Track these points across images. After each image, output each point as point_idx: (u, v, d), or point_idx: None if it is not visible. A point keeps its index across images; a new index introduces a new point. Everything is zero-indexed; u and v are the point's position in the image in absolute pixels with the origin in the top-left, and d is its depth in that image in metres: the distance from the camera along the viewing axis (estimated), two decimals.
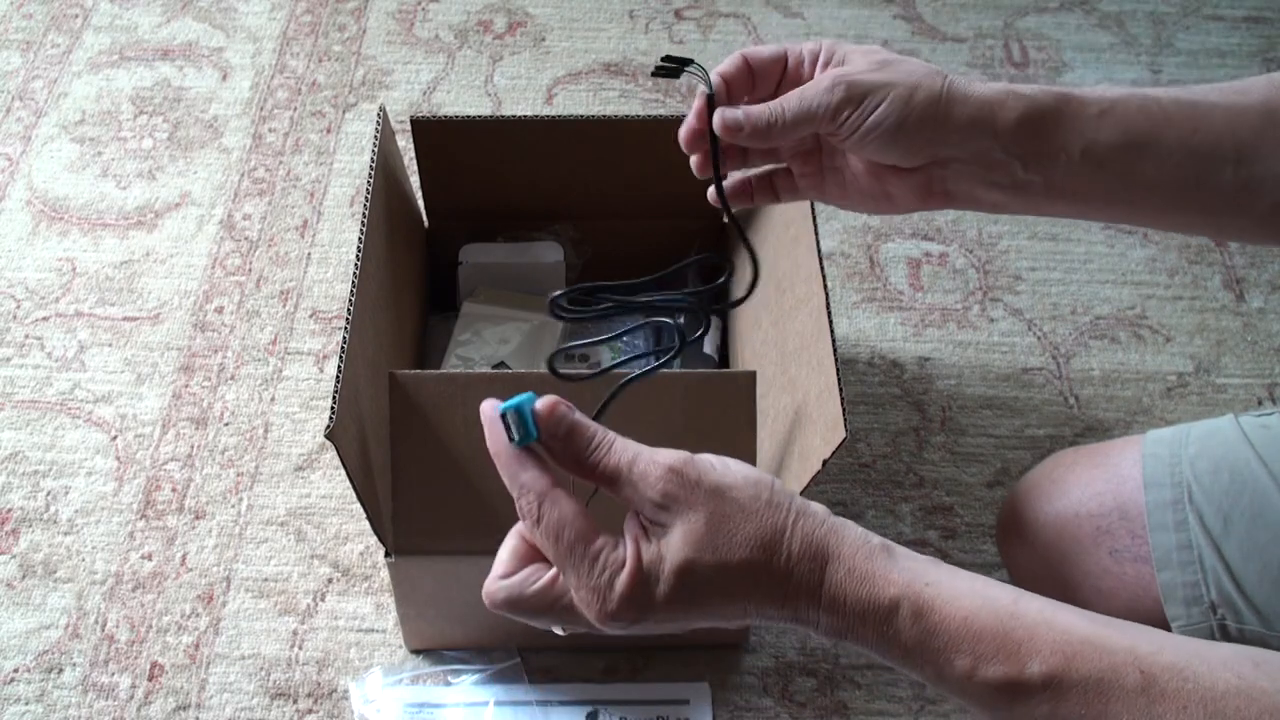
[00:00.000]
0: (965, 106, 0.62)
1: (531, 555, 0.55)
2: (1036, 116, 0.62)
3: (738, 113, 0.63)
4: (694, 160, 0.68)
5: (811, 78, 0.65)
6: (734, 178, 0.70)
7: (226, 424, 1.10)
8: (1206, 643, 0.49)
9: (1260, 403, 1.14)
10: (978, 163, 0.63)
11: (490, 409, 0.54)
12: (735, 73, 0.65)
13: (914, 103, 0.61)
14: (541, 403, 0.54)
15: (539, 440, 0.53)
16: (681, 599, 0.52)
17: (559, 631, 0.56)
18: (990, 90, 0.62)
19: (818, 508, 0.53)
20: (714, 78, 0.64)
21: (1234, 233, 0.68)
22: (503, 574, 0.55)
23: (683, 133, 0.66)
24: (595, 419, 0.55)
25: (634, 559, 0.51)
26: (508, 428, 0.54)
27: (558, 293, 0.59)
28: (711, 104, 0.64)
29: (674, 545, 0.51)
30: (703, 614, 0.52)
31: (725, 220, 1.11)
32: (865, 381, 1.15)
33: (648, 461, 0.52)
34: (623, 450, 0.53)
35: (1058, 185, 0.63)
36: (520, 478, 0.53)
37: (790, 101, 0.63)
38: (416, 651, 0.96)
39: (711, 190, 0.68)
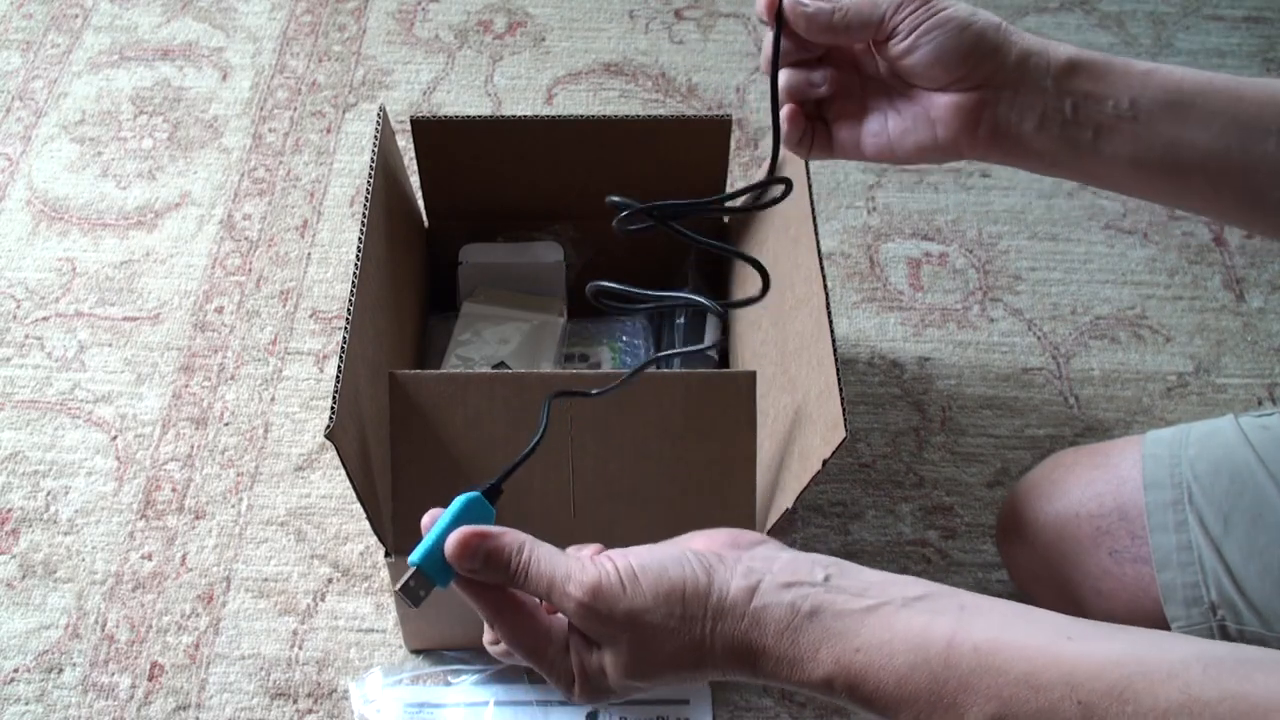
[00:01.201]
0: (1020, 38, 0.63)
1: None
2: (1086, 60, 0.63)
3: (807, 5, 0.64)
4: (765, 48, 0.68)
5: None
6: (787, 109, 0.69)
7: (226, 424, 1.11)
8: (1161, 646, 0.48)
9: (1260, 403, 1.14)
10: (1030, 90, 0.63)
11: (426, 524, 0.57)
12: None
13: (975, 17, 0.63)
14: (450, 541, 0.55)
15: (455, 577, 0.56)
16: (633, 693, 0.55)
17: None
18: (1040, 39, 0.64)
19: (736, 592, 0.53)
20: None
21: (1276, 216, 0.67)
22: (488, 642, 0.60)
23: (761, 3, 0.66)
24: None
25: (580, 671, 0.55)
26: (410, 591, 0.56)
27: (596, 283, 0.62)
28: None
29: (609, 666, 0.54)
30: (655, 688, 0.56)
31: (725, 221, 1.11)
32: (865, 381, 1.15)
33: (560, 593, 0.54)
34: (538, 578, 0.54)
35: (1106, 139, 0.63)
36: (473, 603, 0.57)
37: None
38: (416, 651, 0.96)
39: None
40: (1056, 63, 0.63)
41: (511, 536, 0.55)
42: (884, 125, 0.67)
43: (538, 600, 0.56)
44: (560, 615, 0.56)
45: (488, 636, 0.60)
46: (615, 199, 0.62)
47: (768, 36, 0.66)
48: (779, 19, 0.64)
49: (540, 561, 0.54)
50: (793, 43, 0.66)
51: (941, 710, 0.49)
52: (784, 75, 0.66)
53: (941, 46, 0.62)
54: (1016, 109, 0.63)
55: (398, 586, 0.55)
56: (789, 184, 0.66)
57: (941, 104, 0.64)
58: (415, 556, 0.55)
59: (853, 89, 0.68)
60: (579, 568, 0.54)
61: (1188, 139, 0.62)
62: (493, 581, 0.56)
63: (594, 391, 0.61)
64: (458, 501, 0.56)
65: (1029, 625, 0.50)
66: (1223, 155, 0.62)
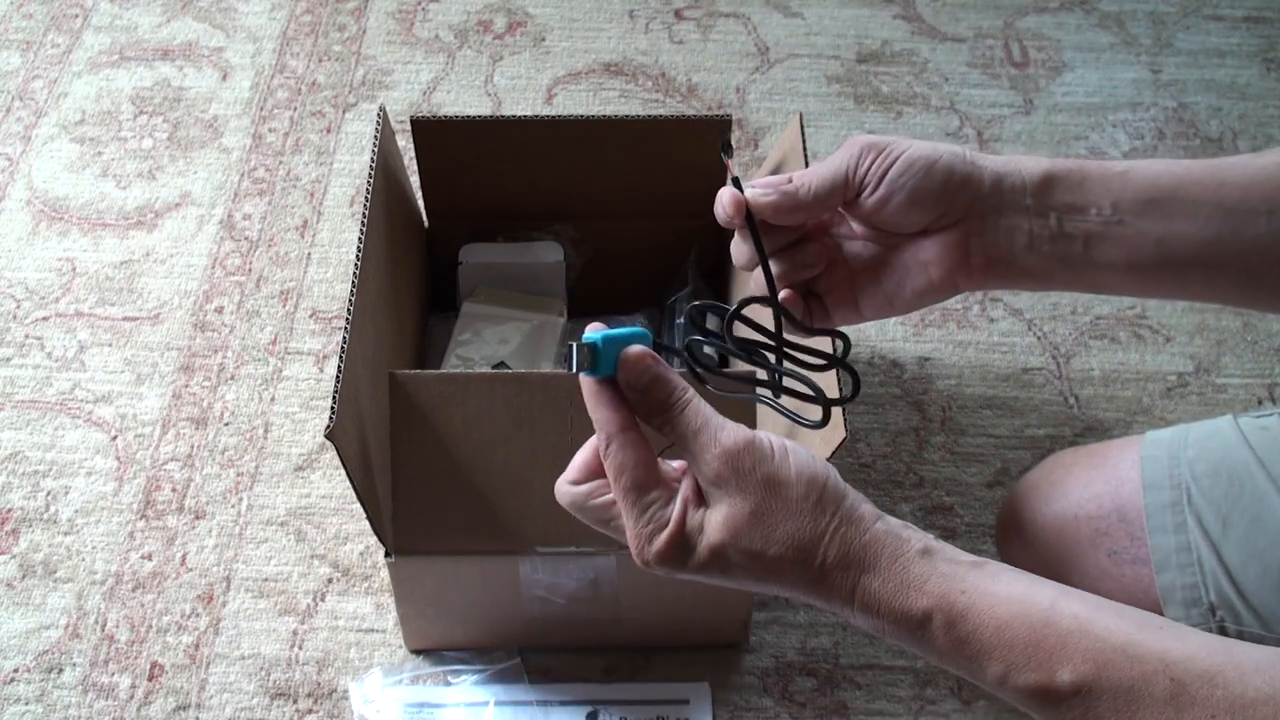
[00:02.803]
0: (989, 162, 0.62)
1: (601, 470, 0.56)
2: (1060, 172, 0.62)
3: (767, 183, 0.62)
4: (736, 249, 0.65)
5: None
6: (785, 295, 0.66)
7: (226, 424, 1.11)
8: (1244, 645, 0.50)
9: (1260, 403, 1.14)
10: (1012, 213, 0.62)
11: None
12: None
13: (938, 151, 0.61)
14: (630, 351, 0.55)
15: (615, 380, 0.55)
16: (712, 572, 0.54)
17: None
18: (1014, 154, 0.62)
19: (866, 511, 0.54)
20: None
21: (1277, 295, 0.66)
22: (573, 480, 0.57)
23: (722, 211, 0.63)
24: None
25: (677, 522, 0.54)
26: (576, 355, 0.54)
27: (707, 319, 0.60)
28: (738, 184, 0.62)
29: (715, 524, 0.53)
30: (735, 585, 0.55)
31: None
32: (865, 381, 1.15)
33: (710, 437, 0.53)
34: (692, 417, 0.54)
35: (1097, 247, 0.62)
36: (596, 414, 0.55)
37: (814, 168, 0.62)
38: (416, 651, 0.96)
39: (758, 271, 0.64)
40: (1032, 180, 0.62)
41: (678, 378, 0.55)
42: (876, 285, 0.65)
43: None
44: (674, 467, 0.56)
45: (569, 475, 0.57)
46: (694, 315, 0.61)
47: (739, 242, 0.64)
48: (749, 218, 0.62)
49: (699, 405, 0.54)
50: (769, 233, 0.64)
51: (1035, 665, 0.49)
52: (775, 266, 0.64)
53: (914, 189, 0.61)
54: (1003, 233, 0.62)
55: (571, 346, 0.54)
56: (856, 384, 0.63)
57: (928, 246, 0.63)
58: (595, 336, 0.54)
59: (836, 258, 0.66)
60: (733, 424, 0.54)
61: (1176, 233, 0.61)
62: (641, 407, 0.55)
63: (708, 386, 0.60)
64: (635, 330, 0.56)
65: (1119, 611, 0.51)
66: (1214, 244, 0.61)
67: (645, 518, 0.54)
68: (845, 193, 0.62)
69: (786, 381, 0.61)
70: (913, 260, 0.64)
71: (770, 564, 0.53)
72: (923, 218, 0.62)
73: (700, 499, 0.54)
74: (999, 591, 0.51)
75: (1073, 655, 0.49)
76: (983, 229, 0.62)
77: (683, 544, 0.53)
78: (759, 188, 0.62)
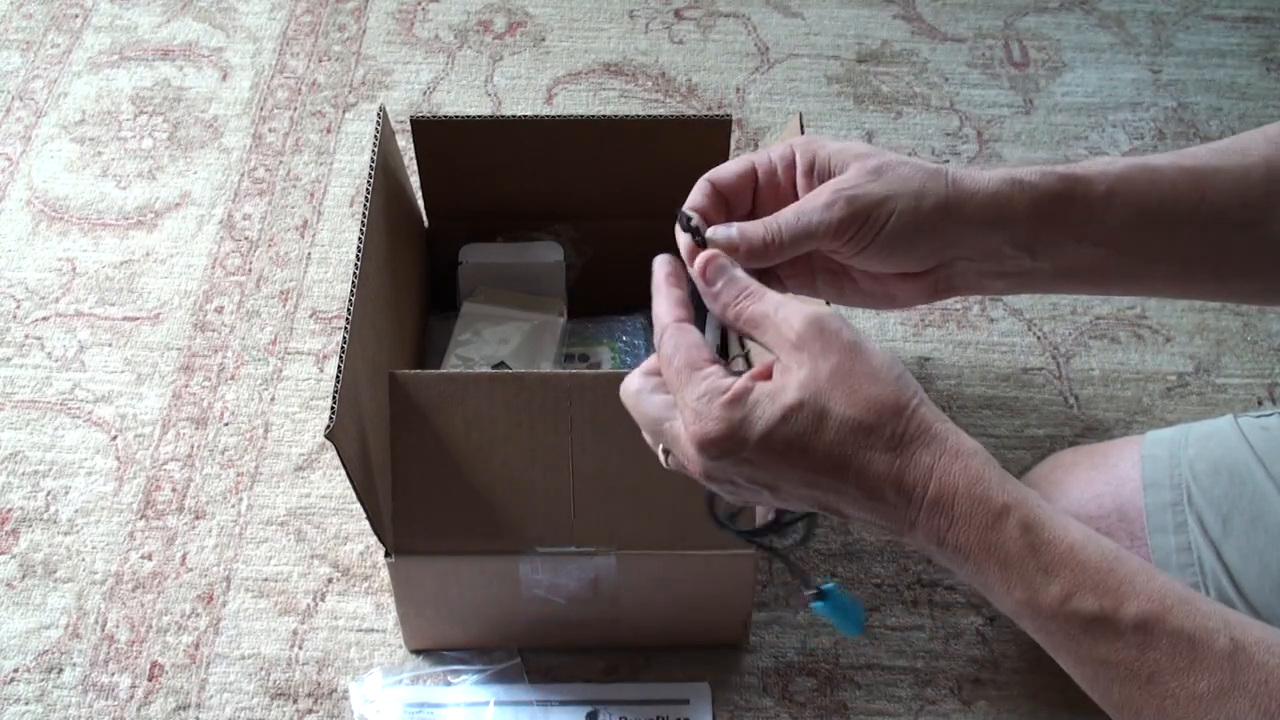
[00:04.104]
0: (972, 207, 0.59)
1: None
2: (1045, 206, 0.59)
3: (731, 230, 0.58)
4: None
5: (790, 186, 0.61)
6: None
7: (226, 424, 1.11)
8: None
9: (1260, 403, 1.14)
10: (987, 259, 0.61)
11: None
12: (708, 203, 0.60)
13: (921, 213, 0.58)
14: (704, 254, 0.56)
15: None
16: (777, 441, 0.50)
17: (665, 463, 0.56)
18: (994, 183, 0.59)
19: (938, 410, 0.53)
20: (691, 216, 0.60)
21: (1249, 296, 0.66)
22: (639, 372, 0.56)
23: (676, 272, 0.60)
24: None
25: (740, 388, 0.51)
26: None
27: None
28: (699, 236, 0.59)
29: (792, 385, 0.51)
30: (793, 469, 0.51)
31: None
32: None
33: (794, 308, 0.52)
34: (773, 297, 0.53)
35: (1066, 269, 0.61)
36: (655, 310, 0.55)
37: (786, 220, 0.58)
38: (416, 651, 0.96)
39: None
40: (1014, 222, 0.59)
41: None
42: (837, 285, 0.64)
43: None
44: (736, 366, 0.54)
45: (635, 372, 0.56)
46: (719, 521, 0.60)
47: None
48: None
49: (772, 292, 0.54)
50: (729, 212, 0.62)
51: (1103, 591, 0.48)
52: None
53: (887, 256, 0.59)
54: (973, 273, 0.61)
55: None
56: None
57: (894, 280, 0.62)
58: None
59: (799, 259, 0.63)
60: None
61: (1152, 251, 0.61)
62: (714, 302, 0.55)
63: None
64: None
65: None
66: (1188, 257, 0.62)
67: (702, 387, 0.51)
68: (816, 248, 0.60)
69: None
70: (878, 288, 0.63)
71: (846, 429, 0.50)
72: (894, 272, 0.62)
73: (768, 376, 0.52)
74: (1069, 518, 0.51)
75: (1140, 592, 0.48)
76: (952, 273, 0.61)
77: (747, 406, 0.50)
78: (721, 234, 0.58)
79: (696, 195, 0.60)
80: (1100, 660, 0.49)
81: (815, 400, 0.50)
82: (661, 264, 0.57)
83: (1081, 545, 0.49)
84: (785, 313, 0.52)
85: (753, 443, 0.51)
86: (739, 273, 0.55)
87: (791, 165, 0.61)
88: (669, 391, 0.54)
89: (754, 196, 0.62)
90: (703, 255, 0.55)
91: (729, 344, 1.08)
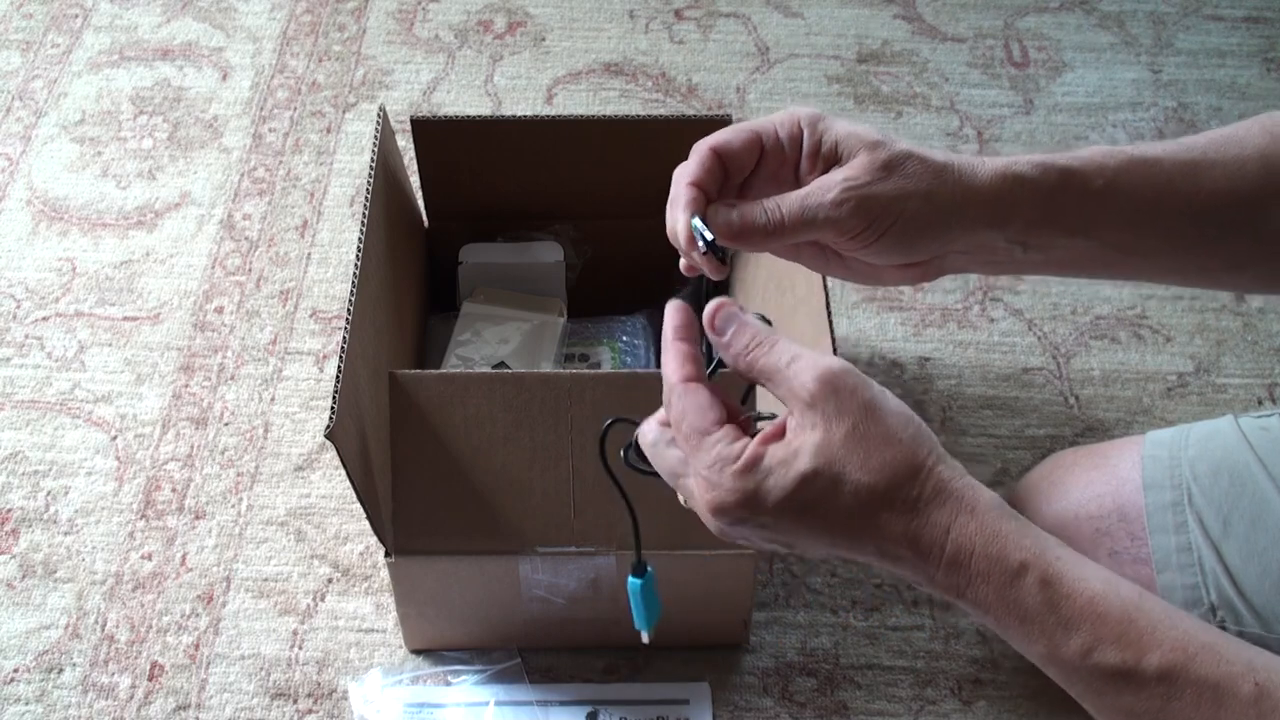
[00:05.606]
0: (975, 209, 0.59)
1: None
2: (1043, 204, 0.59)
3: (731, 213, 0.58)
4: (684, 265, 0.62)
5: (794, 162, 0.60)
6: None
7: (226, 424, 1.11)
8: None
9: (1260, 403, 1.14)
10: (980, 251, 0.61)
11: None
12: (707, 174, 0.59)
13: (927, 217, 0.58)
14: (712, 304, 0.55)
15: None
16: (793, 507, 0.50)
17: (683, 504, 0.56)
18: (995, 181, 0.59)
19: (955, 462, 0.52)
20: (687, 191, 0.59)
21: (1242, 284, 0.67)
22: (656, 421, 0.55)
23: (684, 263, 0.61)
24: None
25: (751, 456, 0.50)
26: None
27: None
28: (720, 255, 0.58)
29: (806, 450, 0.50)
30: (810, 532, 0.51)
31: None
32: None
33: (808, 362, 0.51)
34: (784, 349, 0.52)
35: (1056, 259, 0.62)
36: (663, 368, 0.54)
37: (790, 208, 0.57)
38: (416, 651, 0.96)
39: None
40: (1013, 220, 0.59)
41: (760, 324, 0.54)
42: (823, 258, 0.63)
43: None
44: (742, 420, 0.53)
45: (651, 420, 0.55)
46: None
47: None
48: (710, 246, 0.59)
49: (788, 342, 0.52)
50: (720, 187, 0.61)
51: (1125, 643, 0.48)
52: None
53: (888, 253, 0.59)
54: (965, 263, 0.62)
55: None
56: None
57: (886, 267, 0.62)
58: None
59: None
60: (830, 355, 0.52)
61: (1146, 245, 0.62)
62: (725, 350, 0.54)
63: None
64: None
65: (1202, 620, 0.51)
66: (1182, 250, 0.62)
67: (712, 455, 0.51)
68: (815, 239, 0.60)
69: None
70: (866, 266, 0.62)
71: (862, 496, 0.50)
72: (889, 264, 0.61)
73: (780, 436, 0.51)
74: (1089, 568, 0.50)
75: (1163, 641, 0.48)
76: (944, 263, 0.61)
77: (759, 475, 0.50)
78: (721, 217, 0.58)
79: (696, 163, 0.59)
80: (1125, 711, 0.48)
81: (830, 468, 0.50)
82: (671, 314, 0.55)
83: (1102, 596, 0.49)
84: (798, 367, 0.51)
85: (767, 510, 0.51)
86: (749, 319, 0.54)
87: (798, 143, 0.60)
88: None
89: (760, 159, 0.61)
90: (711, 305, 0.54)
91: None
